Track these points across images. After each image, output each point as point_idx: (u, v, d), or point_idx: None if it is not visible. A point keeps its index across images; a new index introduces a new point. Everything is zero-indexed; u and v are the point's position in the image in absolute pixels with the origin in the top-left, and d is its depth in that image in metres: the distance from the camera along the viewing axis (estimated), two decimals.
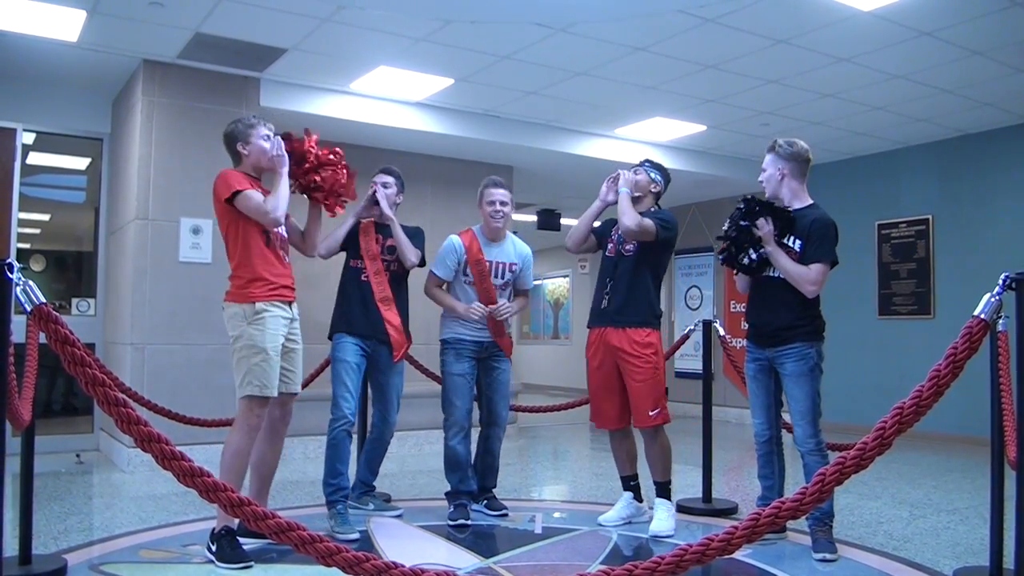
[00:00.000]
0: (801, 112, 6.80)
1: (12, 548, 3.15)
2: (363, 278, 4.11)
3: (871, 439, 2.20)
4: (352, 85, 6.21)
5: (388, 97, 6.47)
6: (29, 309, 2.41)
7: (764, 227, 3.58)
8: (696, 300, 10.07)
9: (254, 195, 3.40)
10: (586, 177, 8.44)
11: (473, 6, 4.77)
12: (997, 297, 2.50)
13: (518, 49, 5.45)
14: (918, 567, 3.40)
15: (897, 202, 8.04)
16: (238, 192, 3.37)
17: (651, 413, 3.86)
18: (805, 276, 3.51)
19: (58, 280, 7.07)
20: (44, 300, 2.43)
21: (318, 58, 5.64)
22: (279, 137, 3.59)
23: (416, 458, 6.29)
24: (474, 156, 7.57)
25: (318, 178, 3.69)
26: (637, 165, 4.15)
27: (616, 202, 3.99)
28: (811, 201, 3.70)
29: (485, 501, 4.31)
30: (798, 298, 3.56)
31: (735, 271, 3.78)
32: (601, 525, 4.02)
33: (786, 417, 3.75)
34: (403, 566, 2.03)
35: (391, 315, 4.10)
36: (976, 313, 2.45)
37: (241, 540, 3.33)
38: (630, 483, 4.12)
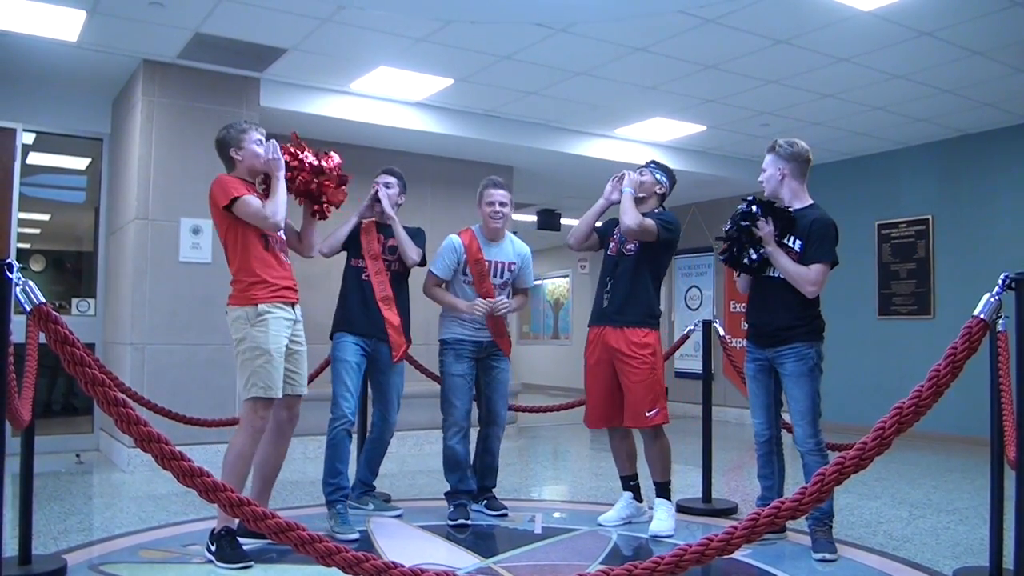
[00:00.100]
0: (801, 112, 6.80)
1: (12, 548, 3.15)
2: (364, 277, 4.12)
3: (870, 439, 2.20)
4: (352, 85, 6.21)
5: (388, 97, 6.47)
6: (29, 309, 2.41)
7: (764, 227, 3.58)
8: (696, 300, 10.07)
9: (252, 201, 3.40)
10: (586, 177, 8.45)
11: (473, 6, 4.77)
12: (996, 297, 2.50)
13: (518, 49, 5.45)
14: (918, 567, 3.40)
15: (897, 202, 8.04)
16: (236, 198, 3.37)
17: (648, 413, 3.85)
18: (805, 276, 3.51)
19: (58, 280, 7.07)
20: (44, 300, 2.43)
21: (318, 58, 5.64)
22: (274, 141, 3.58)
23: (416, 458, 6.29)
24: (474, 156, 7.57)
25: (311, 186, 3.67)
26: (643, 166, 4.15)
27: (619, 201, 3.99)
28: (811, 201, 3.70)
29: (485, 501, 4.31)
30: (798, 298, 3.56)
31: (736, 271, 3.78)
32: (601, 525, 4.02)
33: (786, 417, 3.75)
34: (403, 566, 2.03)
35: (391, 315, 4.10)
36: (975, 313, 2.45)
37: (241, 540, 3.33)
38: (630, 483, 4.12)
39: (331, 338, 4.14)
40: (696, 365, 8.21)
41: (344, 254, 4.22)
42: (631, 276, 3.94)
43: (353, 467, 4.31)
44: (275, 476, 3.71)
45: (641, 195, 4.02)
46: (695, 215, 9.89)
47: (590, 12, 4.83)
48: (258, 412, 3.40)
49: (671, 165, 4.25)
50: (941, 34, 5.09)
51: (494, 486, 4.40)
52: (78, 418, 6.54)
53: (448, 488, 4.21)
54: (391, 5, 4.75)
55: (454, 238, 4.28)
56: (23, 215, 6.19)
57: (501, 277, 4.28)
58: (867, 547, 3.70)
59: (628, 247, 3.97)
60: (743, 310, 4.18)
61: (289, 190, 3.61)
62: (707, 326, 4.78)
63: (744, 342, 3.88)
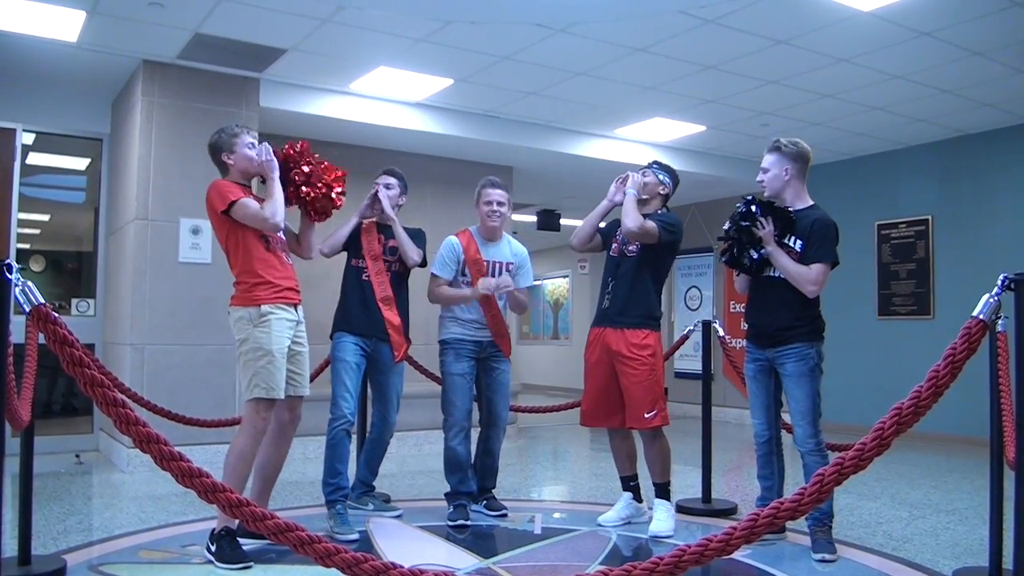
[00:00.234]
0: (801, 112, 6.80)
1: (11, 548, 3.15)
2: (364, 277, 4.12)
3: (870, 439, 2.20)
4: (352, 85, 6.21)
5: (388, 97, 6.47)
6: (28, 309, 2.41)
7: (765, 227, 3.58)
8: (696, 300, 10.07)
9: (251, 203, 3.40)
10: (586, 177, 8.46)
11: (473, 6, 4.77)
12: (996, 298, 2.50)
13: (518, 49, 5.45)
14: (917, 567, 3.40)
15: (897, 202, 8.04)
16: (234, 202, 3.37)
17: (647, 415, 3.85)
18: (806, 276, 3.51)
19: (57, 280, 7.07)
20: (43, 300, 2.43)
21: (318, 58, 5.64)
22: (267, 144, 3.58)
23: (416, 458, 6.29)
24: (474, 157, 7.57)
25: (304, 190, 3.66)
26: (645, 167, 4.13)
27: (623, 203, 3.99)
28: (811, 202, 3.70)
29: (484, 501, 4.31)
30: (798, 298, 3.56)
31: (736, 271, 3.77)
32: (600, 525, 4.03)
33: (785, 417, 3.75)
34: (402, 567, 2.03)
35: (391, 315, 4.11)
36: (974, 314, 2.45)
37: (240, 541, 3.33)
38: (630, 483, 4.12)
39: (331, 338, 4.14)
40: (696, 365, 8.20)
41: (344, 254, 4.22)
42: (632, 277, 3.94)
43: (353, 467, 4.31)
44: (276, 477, 3.71)
45: (644, 196, 4.02)
46: (695, 215, 9.89)
47: (590, 12, 4.83)
48: (260, 413, 3.40)
49: (671, 165, 4.25)
50: (941, 34, 5.09)
51: (494, 487, 4.40)
52: (78, 418, 6.54)
53: (448, 489, 4.21)
54: (391, 5, 4.75)
55: (452, 239, 4.29)
56: (23, 215, 6.19)
57: (500, 276, 4.29)
58: (867, 547, 3.70)
59: (630, 248, 3.97)
60: (743, 310, 4.17)
61: (298, 197, 3.62)
62: (707, 326, 4.78)
63: (744, 342, 3.87)
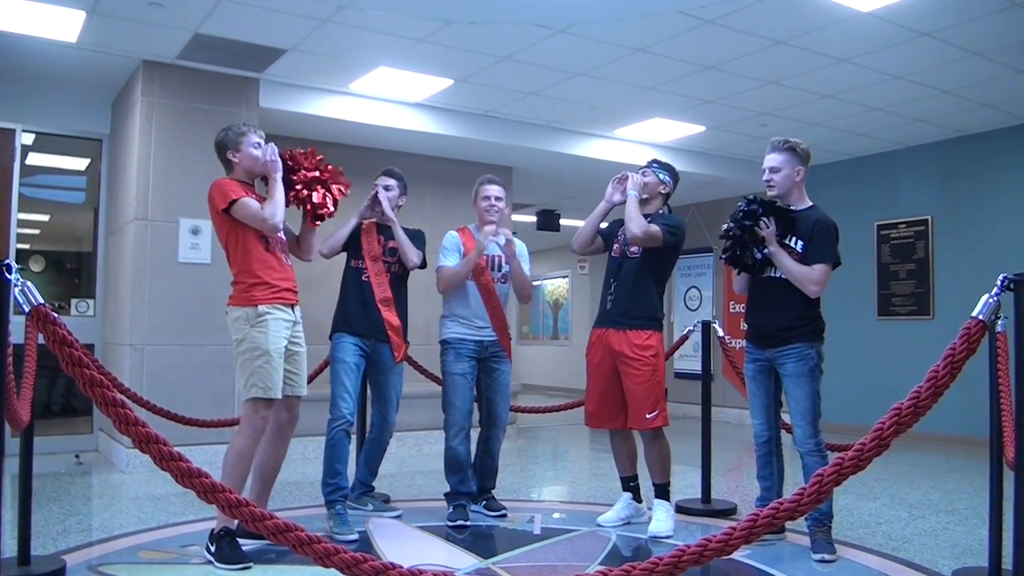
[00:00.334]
0: (800, 113, 6.80)
1: (11, 549, 3.15)
2: (364, 278, 4.12)
3: (869, 440, 2.20)
4: (351, 86, 6.21)
5: (387, 98, 6.47)
6: (27, 310, 2.41)
7: (767, 227, 3.58)
8: (695, 301, 10.07)
9: (251, 203, 3.40)
10: (586, 178, 8.45)
11: (473, 7, 4.77)
12: (995, 298, 2.50)
13: (518, 50, 5.45)
14: (917, 568, 3.40)
15: (896, 203, 8.05)
16: (235, 201, 3.37)
17: (649, 416, 3.85)
18: (808, 276, 3.51)
19: (57, 281, 7.08)
20: (42, 301, 2.43)
21: (318, 59, 5.64)
22: (273, 144, 3.58)
23: (415, 459, 6.29)
24: (474, 157, 7.57)
25: (304, 192, 3.65)
26: (644, 166, 4.12)
27: (622, 202, 3.98)
28: (811, 202, 3.71)
29: (484, 502, 4.31)
30: (799, 299, 3.56)
31: (737, 271, 3.77)
32: (600, 526, 4.03)
33: (785, 418, 3.75)
34: (401, 567, 2.03)
35: (391, 316, 4.11)
36: (974, 314, 2.45)
37: (240, 541, 3.33)
38: (630, 483, 4.12)
39: (330, 339, 4.14)
40: (695, 366, 8.20)
41: (344, 255, 4.22)
42: (634, 278, 3.94)
43: (352, 468, 4.31)
44: (275, 477, 3.71)
45: (645, 196, 4.01)
46: (694, 216, 9.89)
47: (590, 13, 4.83)
48: (259, 412, 3.40)
49: (671, 164, 4.23)
50: (940, 35, 5.09)
51: (493, 487, 4.40)
52: (77, 419, 6.54)
53: (448, 489, 4.21)
54: (390, 6, 4.75)
55: (452, 232, 4.32)
56: (22, 216, 6.19)
57: (499, 270, 4.30)
58: (866, 548, 3.71)
59: (632, 249, 3.96)
60: (742, 311, 4.18)
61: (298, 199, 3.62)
62: (706, 327, 4.78)
63: (743, 343, 3.87)
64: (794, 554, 3.58)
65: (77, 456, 5.99)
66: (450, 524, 4.02)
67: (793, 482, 4.27)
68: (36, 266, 6.73)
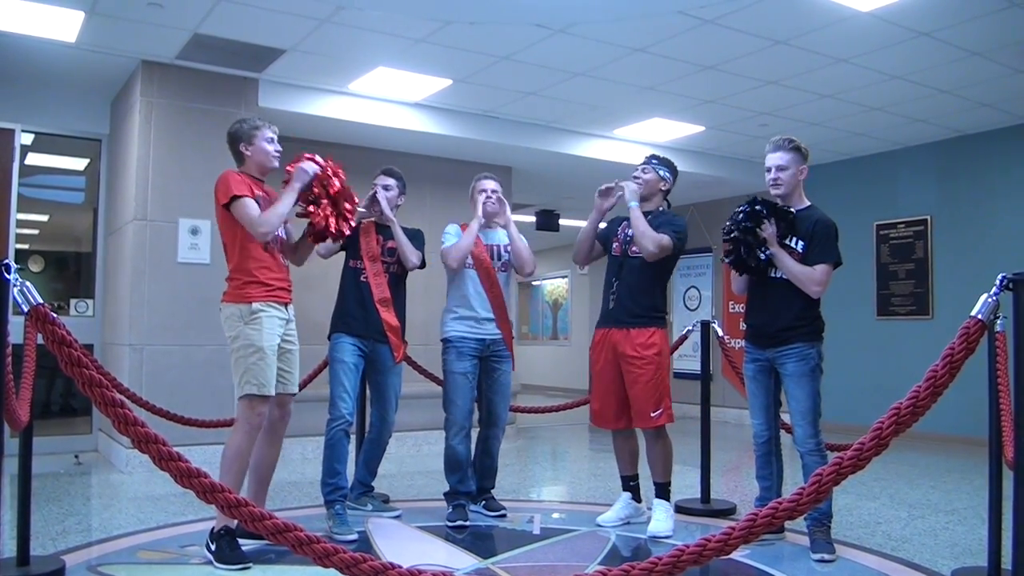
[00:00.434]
0: (800, 113, 6.80)
1: (10, 549, 3.15)
2: (362, 279, 4.11)
3: (868, 440, 2.20)
4: (351, 86, 6.21)
5: (387, 98, 6.47)
6: (26, 310, 2.41)
7: (768, 229, 3.58)
8: (695, 301, 10.07)
9: (250, 205, 3.38)
10: (585, 178, 8.44)
11: (472, 7, 4.77)
12: (994, 297, 2.50)
13: (517, 50, 5.45)
14: (916, 567, 3.40)
15: (895, 203, 8.05)
16: (236, 198, 3.37)
17: (653, 414, 3.85)
18: (811, 277, 3.51)
19: (56, 281, 7.08)
20: (41, 301, 2.43)
21: (317, 59, 5.64)
22: (315, 157, 3.56)
23: (414, 459, 6.29)
24: (473, 157, 7.57)
25: (311, 210, 3.62)
26: (643, 163, 4.10)
27: (612, 207, 3.98)
28: (809, 203, 3.71)
29: (483, 502, 4.31)
30: (799, 299, 3.56)
31: (740, 272, 3.76)
32: (599, 526, 4.02)
33: (785, 418, 3.75)
34: (401, 567, 2.03)
35: (389, 316, 4.10)
36: (973, 313, 2.45)
37: (240, 541, 3.33)
38: (630, 483, 4.12)
39: (329, 339, 4.14)
40: (695, 366, 8.20)
41: (342, 255, 4.21)
42: (636, 277, 3.93)
43: (351, 468, 4.30)
44: (270, 476, 3.71)
45: (644, 194, 4.01)
46: (693, 216, 9.89)
47: (589, 13, 4.83)
48: (254, 409, 3.40)
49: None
50: (939, 35, 5.09)
51: (493, 487, 4.40)
52: (76, 419, 6.54)
53: (447, 488, 4.21)
54: (390, 6, 4.75)
55: (455, 224, 4.34)
56: (22, 216, 6.19)
57: (500, 259, 4.32)
58: (866, 547, 3.71)
59: (633, 248, 3.95)
60: (742, 311, 4.18)
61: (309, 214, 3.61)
62: (705, 327, 4.78)
63: (742, 343, 3.87)
64: (793, 554, 3.58)
65: (76, 456, 5.99)
66: (449, 524, 4.02)
67: (792, 482, 4.27)
68: (35, 266, 6.73)
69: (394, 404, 4.20)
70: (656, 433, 3.94)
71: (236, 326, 3.41)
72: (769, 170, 3.68)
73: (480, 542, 3.80)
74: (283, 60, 5.64)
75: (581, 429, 8.44)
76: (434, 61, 5.67)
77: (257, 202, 3.45)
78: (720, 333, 4.76)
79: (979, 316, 2.44)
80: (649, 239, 3.80)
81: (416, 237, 4.29)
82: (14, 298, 2.50)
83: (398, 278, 4.22)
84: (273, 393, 3.45)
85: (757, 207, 3.60)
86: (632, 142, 7.80)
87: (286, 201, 3.46)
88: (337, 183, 3.61)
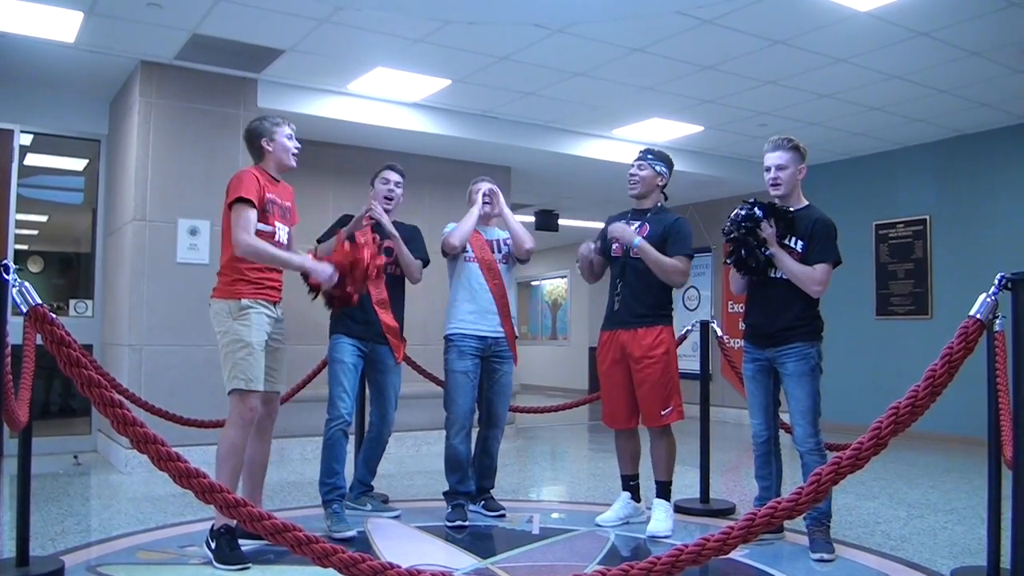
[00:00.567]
0: (798, 112, 6.80)
1: (9, 550, 3.15)
2: None
3: (867, 439, 2.20)
4: (350, 86, 6.21)
5: (386, 98, 6.47)
6: (25, 310, 2.41)
7: (767, 229, 3.58)
8: (694, 301, 10.07)
9: (250, 217, 3.36)
10: (584, 178, 8.46)
11: (471, 7, 4.77)
12: (993, 297, 2.50)
13: (516, 50, 5.45)
14: (915, 567, 3.40)
15: (894, 202, 8.05)
16: (240, 201, 3.35)
17: (664, 412, 3.86)
18: (811, 276, 3.52)
19: (55, 281, 7.07)
20: (40, 301, 2.43)
21: (316, 59, 5.63)
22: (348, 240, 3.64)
23: (414, 459, 6.28)
24: (472, 157, 7.57)
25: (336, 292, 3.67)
26: (638, 159, 4.07)
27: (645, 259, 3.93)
28: (807, 202, 3.71)
29: (483, 502, 4.31)
30: (799, 298, 3.56)
31: (740, 273, 3.75)
32: (599, 525, 4.02)
33: (784, 417, 3.75)
34: (400, 567, 2.03)
35: (388, 318, 4.10)
36: (971, 313, 2.45)
37: (239, 542, 3.32)
38: (630, 483, 4.12)
39: (329, 339, 4.14)
40: (694, 365, 8.19)
41: None
42: (639, 277, 3.92)
43: (350, 468, 4.30)
44: (263, 474, 3.71)
45: (643, 192, 4.01)
46: (692, 216, 9.89)
47: (588, 13, 4.83)
48: (246, 403, 3.40)
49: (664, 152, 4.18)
50: (938, 34, 5.10)
51: (492, 487, 4.40)
52: (76, 419, 6.54)
53: (447, 488, 4.21)
54: (388, 6, 4.75)
55: (452, 223, 4.34)
56: (21, 216, 6.19)
57: (500, 252, 4.33)
58: (865, 547, 3.71)
59: (635, 250, 3.95)
60: (741, 310, 4.18)
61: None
62: (705, 326, 4.78)
63: (741, 342, 3.87)
64: (793, 553, 3.58)
65: (75, 457, 5.98)
66: (449, 524, 4.01)
67: (791, 481, 4.27)
68: (34, 267, 6.73)
69: (394, 403, 4.20)
70: (662, 430, 3.94)
71: (225, 321, 3.41)
72: (768, 169, 3.68)
73: (479, 542, 3.80)
74: (282, 60, 5.64)
75: (580, 429, 8.44)
76: (433, 61, 5.67)
77: (268, 205, 3.46)
78: (719, 333, 4.77)
79: (978, 316, 2.44)
80: (675, 272, 3.87)
81: (414, 236, 4.30)
82: (13, 299, 2.50)
83: (397, 280, 4.22)
84: (262, 388, 3.45)
85: (755, 208, 3.60)
86: (631, 142, 7.79)
87: (284, 259, 3.44)
88: (359, 273, 3.65)
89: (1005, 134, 7.21)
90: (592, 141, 7.65)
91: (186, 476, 2.10)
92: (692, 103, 6.62)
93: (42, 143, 6.41)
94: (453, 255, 4.27)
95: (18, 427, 2.91)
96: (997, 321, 2.61)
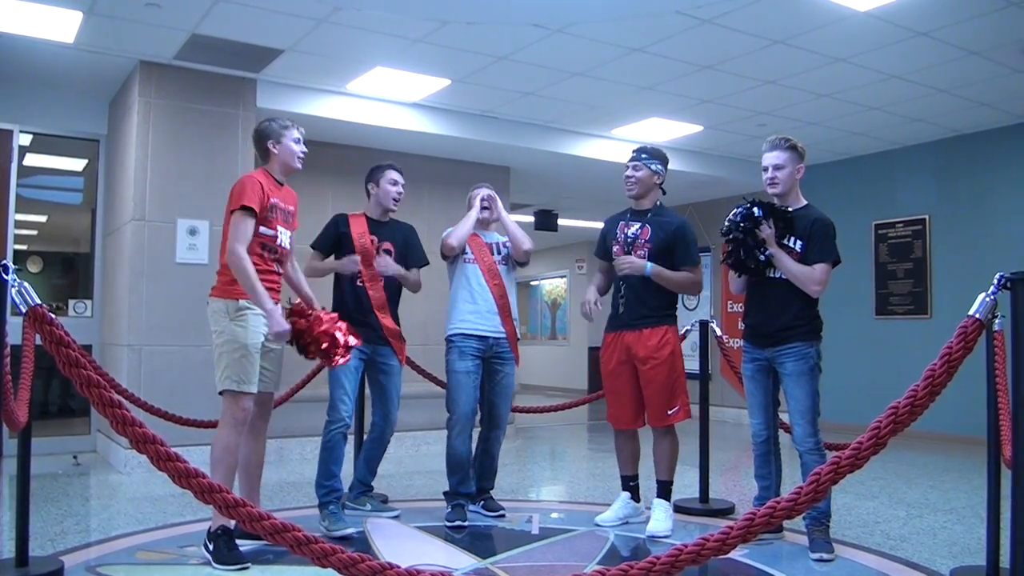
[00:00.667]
0: (798, 112, 6.80)
1: (9, 550, 3.15)
2: (359, 283, 4.11)
3: (866, 439, 2.20)
4: (349, 86, 6.21)
5: (385, 98, 6.47)
6: (24, 311, 2.41)
7: (766, 229, 3.58)
8: (693, 300, 10.05)
9: (247, 228, 3.36)
10: (583, 178, 8.46)
11: (470, 7, 4.77)
12: (992, 296, 2.50)
13: (515, 50, 5.45)
14: (915, 567, 3.40)
15: (894, 202, 8.05)
16: (243, 210, 3.34)
17: (670, 412, 3.87)
18: (810, 276, 3.52)
19: (55, 281, 7.07)
20: (39, 302, 2.43)
21: (315, 59, 5.63)
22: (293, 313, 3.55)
23: (414, 459, 6.28)
24: (471, 157, 7.57)
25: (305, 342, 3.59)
26: (632, 159, 4.05)
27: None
28: (806, 202, 3.71)
29: (482, 502, 4.31)
30: (798, 298, 3.56)
31: (740, 273, 3.75)
32: (598, 525, 4.03)
33: (783, 417, 3.75)
34: (399, 567, 2.03)
35: (387, 321, 4.10)
36: (971, 313, 2.45)
37: (238, 542, 3.32)
38: (629, 483, 4.12)
39: None
40: (693, 365, 8.19)
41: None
42: (643, 280, 3.91)
43: (348, 469, 4.30)
44: (259, 474, 3.70)
45: (642, 192, 4.01)
46: (692, 216, 9.88)
47: (587, 13, 4.83)
48: (239, 403, 3.39)
49: (661, 151, 4.17)
50: (937, 34, 5.10)
51: (492, 487, 4.40)
52: (75, 420, 6.53)
53: (447, 488, 4.21)
54: (388, 6, 4.75)
55: (450, 228, 4.34)
56: (20, 216, 6.19)
57: (499, 253, 4.34)
58: (864, 547, 3.71)
59: (637, 252, 3.94)
60: (740, 310, 4.18)
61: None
62: (704, 326, 4.78)
63: (741, 342, 3.87)
64: (792, 553, 3.58)
65: (75, 457, 5.98)
66: (448, 524, 4.01)
67: (791, 481, 4.26)
68: (34, 267, 6.73)
69: (396, 403, 4.21)
70: (666, 429, 3.95)
71: (221, 321, 3.41)
72: (766, 169, 3.68)
73: (479, 542, 3.80)
74: (281, 60, 5.64)
75: (580, 429, 8.43)
76: (432, 61, 5.67)
77: (271, 210, 3.46)
78: (718, 333, 4.78)
79: (977, 315, 2.44)
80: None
81: (411, 235, 4.33)
82: (12, 299, 2.50)
83: (395, 281, 4.22)
84: (254, 390, 3.44)
85: (754, 208, 3.60)
86: (630, 142, 7.77)
87: (256, 293, 3.33)
88: (314, 349, 3.56)
89: (1004, 134, 7.21)
90: (591, 141, 7.65)
91: (185, 476, 2.10)
92: (691, 103, 6.63)
93: (41, 143, 6.41)
94: (452, 258, 4.27)
95: (17, 427, 2.91)
96: (996, 321, 2.61)
